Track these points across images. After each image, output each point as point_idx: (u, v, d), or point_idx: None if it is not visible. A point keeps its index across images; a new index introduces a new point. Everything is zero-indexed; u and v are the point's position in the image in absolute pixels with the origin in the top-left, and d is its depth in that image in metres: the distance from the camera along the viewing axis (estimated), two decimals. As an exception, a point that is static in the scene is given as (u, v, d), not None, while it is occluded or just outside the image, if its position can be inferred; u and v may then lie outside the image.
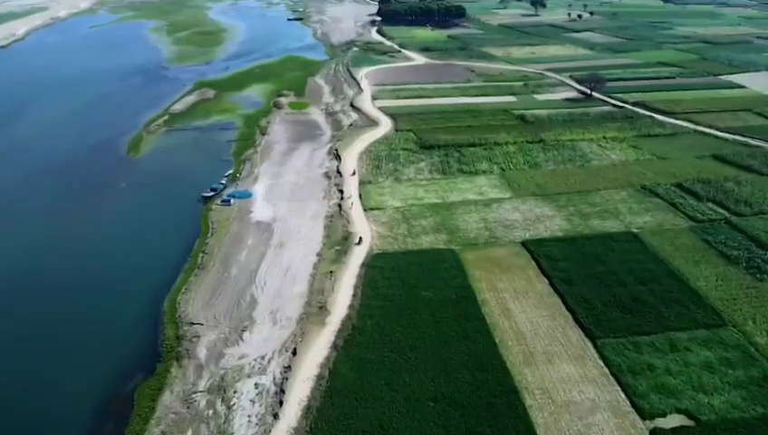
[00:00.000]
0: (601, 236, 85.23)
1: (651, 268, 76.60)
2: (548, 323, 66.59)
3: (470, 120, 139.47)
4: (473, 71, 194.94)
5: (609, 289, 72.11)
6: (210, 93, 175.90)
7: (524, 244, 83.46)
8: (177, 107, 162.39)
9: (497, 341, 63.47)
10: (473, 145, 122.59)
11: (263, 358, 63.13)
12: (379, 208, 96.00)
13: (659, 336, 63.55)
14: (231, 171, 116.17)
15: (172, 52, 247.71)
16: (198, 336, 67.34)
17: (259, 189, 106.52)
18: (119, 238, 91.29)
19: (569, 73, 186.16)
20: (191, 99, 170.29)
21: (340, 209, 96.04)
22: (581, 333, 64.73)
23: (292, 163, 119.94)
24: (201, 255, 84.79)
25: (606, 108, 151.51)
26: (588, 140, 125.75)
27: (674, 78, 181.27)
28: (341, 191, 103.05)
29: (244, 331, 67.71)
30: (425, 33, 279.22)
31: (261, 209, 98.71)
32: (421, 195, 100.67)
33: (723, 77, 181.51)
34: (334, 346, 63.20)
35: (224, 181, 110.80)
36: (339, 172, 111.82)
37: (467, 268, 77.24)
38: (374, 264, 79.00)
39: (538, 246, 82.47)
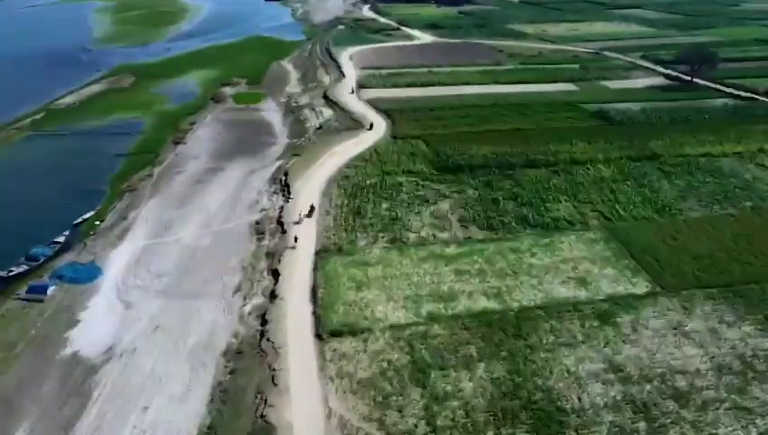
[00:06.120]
0: None
1: None
2: None
3: (517, 120, 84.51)
4: (501, 50, 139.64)
5: None
6: (127, 81, 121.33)
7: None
8: (68, 100, 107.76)
9: None
10: (533, 164, 67.72)
11: None
12: (353, 333, 40.28)
13: None
14: (89, 215, 61.96)
15: (106, 32, 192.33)
16: None
17: (117, 262, 51.99)
18: None
19: (639, 53, 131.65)
20: (95, 89, 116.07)
21: (262, 335, 40.50)
22: None
23: (203, 200, 64.80)
24: None
25: (725, 100, 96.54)
26: (735, 156, 70.73)
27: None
28: (276, 273, 47.80)
29: None
30: (429, 10, 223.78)
31: (98, 317, 44.36)
32: (449, 284, 45.46)
33: None
34: None
35: (61, 239, 56.90)
36: (280, 223, 56.53)
37: None
38: None
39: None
